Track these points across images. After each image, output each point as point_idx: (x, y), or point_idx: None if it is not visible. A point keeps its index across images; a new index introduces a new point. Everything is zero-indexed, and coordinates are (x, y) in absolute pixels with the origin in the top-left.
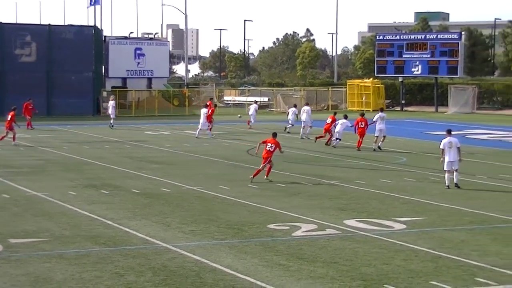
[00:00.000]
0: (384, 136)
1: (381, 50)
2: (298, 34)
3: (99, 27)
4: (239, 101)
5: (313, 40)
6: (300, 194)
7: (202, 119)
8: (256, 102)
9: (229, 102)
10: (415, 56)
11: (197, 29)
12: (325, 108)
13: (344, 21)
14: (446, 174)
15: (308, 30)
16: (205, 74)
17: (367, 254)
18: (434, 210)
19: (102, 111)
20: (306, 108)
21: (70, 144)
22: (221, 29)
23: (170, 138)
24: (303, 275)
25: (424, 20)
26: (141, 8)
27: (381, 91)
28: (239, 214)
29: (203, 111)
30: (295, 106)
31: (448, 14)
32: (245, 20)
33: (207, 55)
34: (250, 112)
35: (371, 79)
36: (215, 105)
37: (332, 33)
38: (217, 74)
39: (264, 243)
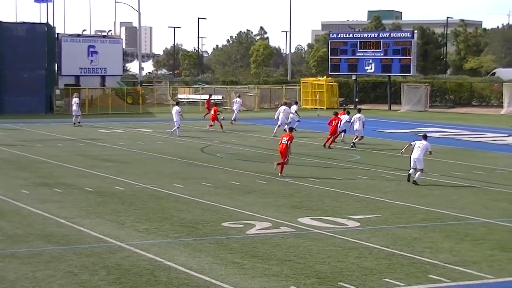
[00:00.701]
0: (362, 137)
1: (335, 49)
2: (252, 32)
3: (52, 24)
4: (193, 99)
5: (267, 38)
6: (255, 192)
7: (175, 117)
8: (239, 96)
9: (183, 100)
10: (368, 54)
11: (151, 27)
12: (279, 106)
13: (297, 20)
14: (411, 170)
15: (262, 28)
16: (159, 72)
17: (321, 252)
18: (387, 207)
19: (55, 109)
20: (283, 107)
21: (22, 143)
22: (174, 27)
23: (124, 136)
24: (257, 273)
25: (377, 18)
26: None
27: (334, 89)
28: (193, 212)
29: (176, 109)
30: (285, 104)
31: (401, 12)
32: (198, 18)
33: (161, 53)
34: (235, 107)
35: (325, 77)
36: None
37: (286, 31)
38: (171, 72)
39: (219, 241)
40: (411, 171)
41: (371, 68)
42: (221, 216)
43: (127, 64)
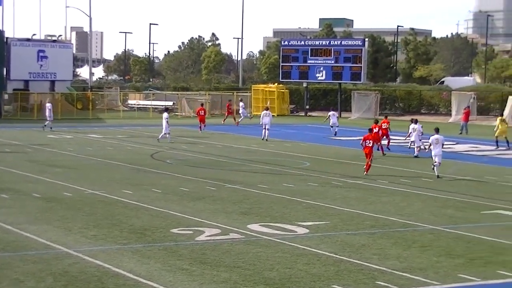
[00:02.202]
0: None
1: (286, 56)
2: (203, 38)
3: (1, 28)
4: (143, 105)
5: (219, 44)
6: (204, 198)
7: (164, 123)
8: (241, 100)
9: (134, 106)
10: (319, 62)
11: (102, 32)
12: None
13: (249, 26)
14: (435, 168)
15: (213, 34)
16: (110, 78)
17: (270, 259)
18: (336, 214)
19: (3, 114)
20: (267, 111)
21: None
22: (126, 32)
23: (73, 141)
24: (206, 280)
25: (328, 26)
26: (44, 9)
27: (285, 96)
28: (142, 218)
29: (164, 115)
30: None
31: (352, 20)
32: (150, 24)
33: (112, 58)
34: (241, 111)
35: (276, 84)
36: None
37: (238, 38)
38: (122, 78)
39: (167, 248)
40: (436, 171)
41: (322, 76)
42: (170, 223)
43: (77, 69)
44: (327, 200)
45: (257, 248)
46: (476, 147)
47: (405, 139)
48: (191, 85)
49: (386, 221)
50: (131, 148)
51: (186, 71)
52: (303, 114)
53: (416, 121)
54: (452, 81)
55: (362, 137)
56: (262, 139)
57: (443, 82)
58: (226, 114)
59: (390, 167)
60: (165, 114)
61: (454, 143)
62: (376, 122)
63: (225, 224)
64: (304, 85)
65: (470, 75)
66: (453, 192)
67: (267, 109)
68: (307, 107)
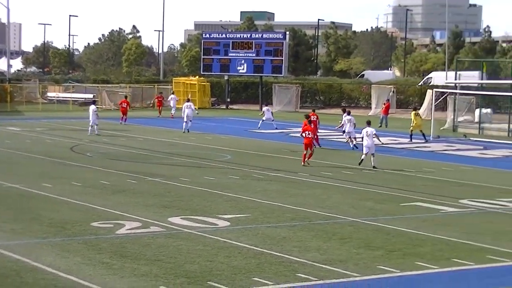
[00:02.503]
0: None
1: (207, 48)
2: (124, 31)
3: None
4: (63, 97)
5: (139, 37)
6: (125, 191)
7: (91, 116)
8: (173, 92)
9: (53, 98)
10: (240, 55)
11: (20, 23)
12: (151, 105)
13: (170, 19)
14: (363, 155)
15: (134, 27)
16: (28, 70)
17: (191, 252)
18: (257, 207)
19: None
20: (188, 103)
21: None
22: (45, 24)
23: None
24: (126, 273)
25: (249, 19)
26: None
27: (206, 89)
28: (62, 212)
29: (92, 108)
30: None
31: (273, 14)
32: (70, 15)
33: (31, 50)
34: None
35: (197, 77)
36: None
37: (159, 31)
38: (41, 70)
39: (87, 241)
40: (363, 156)
41: (243, 69)
42: (90, 216)
43: None
44: (248, 193)
45: (178, 241)
46: (396, 140)
47: (337, 128)
48: (111, 77)
49: (306, 213)
50: (50, 141)
51: (106, 64)
52: (224, 107)
53: (349, 112)
54: (372, 75)
55: (301, 128)
56: (183, 132)
57: (363, 75)
58: (158, 106)
59: (311, 160)
60: (92, 107)
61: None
62: (313, 111)
63: (146, 217)
64: (225, 78)
65: (389, 68)
66: (373, 184)
67: (188, 100)
68: (228, 100)
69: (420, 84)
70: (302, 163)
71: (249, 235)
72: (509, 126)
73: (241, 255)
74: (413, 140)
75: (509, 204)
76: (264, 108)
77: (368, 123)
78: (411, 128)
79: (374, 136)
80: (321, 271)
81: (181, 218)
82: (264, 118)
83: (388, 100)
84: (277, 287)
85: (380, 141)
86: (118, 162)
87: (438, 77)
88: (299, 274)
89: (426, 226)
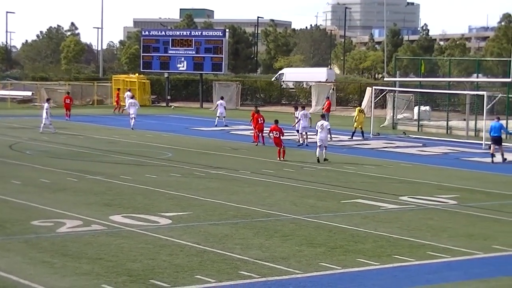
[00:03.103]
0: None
1: (147, 46)
2: (62, 28)
3: None
4: (1, 95)
5: (78, 34)
6: (65, 190)
7: (44, 114)
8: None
9: None
10: (180, 52)
11: None
12: (91, 103)
13: (109, 16)
14: (318, 149)
15: (73, 24)
16: None
17: (133, 250)
18: (199, 205)
19: None
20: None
21: None
22: None
23: None
24: (68, 272)
25: (189, 17)
26: None
27: (146, 87)
28: (1, 211)
29: (45, 105)
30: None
31: (213, 11)
32: (7, 12)
33: None
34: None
35: (137, 74)
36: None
37: (98, 28)
38: None
39: (28, 240)
40: (318, 154)
41: (183, 66)
42: (31, 215)
43: None
44: (190, 190)
45: (120, 239)
46: (336, 137)
47: (293, 126)
48: (50, 75)
49: (248, 211)
50: None
51: (45, 61)
52: (165, 105)
53: (303, 107)
54: None
55: (269, 128)
56: (132, 129)
57: None
58: (117, 103)
59: (253, 158)
60: (45, 105)
61: (314, 134)
62: (257, 111)
63: (87, 216)
64: (166, 75)
65: (329, 66)
66: (314, 182)
67: (132, 97)
68: (169, 97)
69: (273, 79)
70: (278, 158)
71: (191, 233)
72: (447, 124)
73: (183, 253)
74: (353, 138)
75: (448, 200)
76: (218, 102)
77: (323, 117)
78: (355, 125)
79: (328, 129)
80: (264, 269)
81: (122, 216)
82: (218, 114)
83: (328, 97)
84: (220, 284)
85: (331, 136)
86: (58, 160)
87: (289, 73)
88: (241, 272)
89: (367, 223)
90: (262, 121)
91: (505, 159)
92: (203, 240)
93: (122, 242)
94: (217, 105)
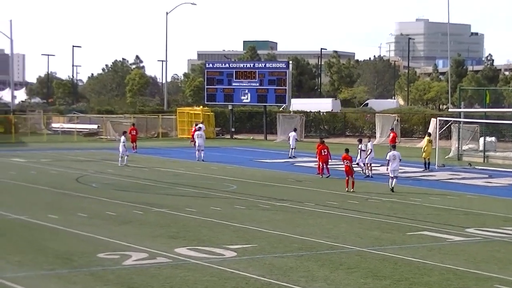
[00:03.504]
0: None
1: (211, 78)
2: (127, 61)
3: None
4: (67, 128)
5: (143, 67)
6: (131, 222)
7: (121, 147)
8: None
9: (58, 129)
10: (244, 84)
11: (24, 54)
12: (155, 135)
13: (173, 49)
14: (390, 180)
15: (137, 57)
16: (32, 101)
17: (198, 282)
18: (263, 237)
19: None
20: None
21: None
22: (48, 55)
23: None
24: None
25: (252, 49)
26: None
27: (211, 119)
28: (68, 243)
29: (122, 139)
30: (295, 130)
31: (276, 43)
32: (73, 46)
33: (34, 81)
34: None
35: (201, 106)
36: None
37: (162, 60)
38: (45, 101)
39: (94, 273)
40: (390, 184)
41: (247, 98)
42: (97, 247)
43: None
44: (254, 223)
45: (185, 272)
46: (401, 168)
47: (362, 159)
48: (115, 108)
49: (313, 243)
50: (55, 172)
51: (110, 94)
52: (229, 137)
53: (369, 139)
54: (375, 103)
55: (341, 157)
56: (198, 161)
57: (367, 104)
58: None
59: (316, 190)
60: (122, 138)
61: (379, 165)
62: (322, 141)
63: (152, 248)
64: (229, 107)
65: (393, 97)
66: (379, 213)
67: (199, 129)
68: (233, 129)
69: (281, 108)
70: (346, 188)
71: (256, 266)
72: None
73: (248, 286)
74: (415, 170)
75: None
76: (290, 134)
77: (393, 147)
78: (423, 155)
79: (399, 160)
80: None
81: (187, 248)
82: (292, 146)
83: (393, 129)
84: None
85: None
86: (124, 193)
87: (297, 104)
88: None
89: (432, 255)
90: (326, 152)
91: None
92: (268, 273)
93: (187, 275)
94: (289, 137)
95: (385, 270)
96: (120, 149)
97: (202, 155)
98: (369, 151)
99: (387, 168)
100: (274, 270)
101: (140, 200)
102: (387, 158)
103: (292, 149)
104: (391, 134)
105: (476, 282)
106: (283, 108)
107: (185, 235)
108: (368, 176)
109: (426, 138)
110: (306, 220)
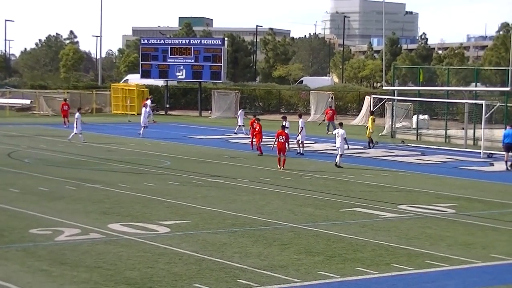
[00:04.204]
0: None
1: (146, 54)
2: (61, 36)
3: None
4: (0, 103)
5: (77, 42)
6: (64, 198)
7: (75, 123)
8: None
9: None
10: (179, 60)
11: None
12: (89, 111)
13: (108, 24)
14: (338, 157)
15: (71, 32)
16: None
17: (131, 258)
18: (197, 213)
19: None
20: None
21: None
22: None
23: None
24: (66, 280)
25: (188, 25)
26: None
27: (145, 95)
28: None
29: (76, 115)
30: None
31: (212, 20)
32: (6, 20)
33: None
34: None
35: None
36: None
37: (97, 36)
38: None
39: (26, 249)
40: (338, 158)
41: (182, 75)
42: (29, 223)
43: None
44: (188, 199)
45: (118, 247)
46: (334, 146)
47: (297, 137)
48: (49, 83)
49: (247, 219)
50: None
51: (43, 69)
52: (164, 113)
53: (300, 115)
54: (310, 81)
55: (275, 134)
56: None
57: (302, 81)
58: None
59: (250, 166)
60: (77, 114)
61: (313, 142)
62: (257, 119)
63: (85, 224)
64: (164, 83)
65: (328, 75)
66: (312, 190)
67: (145, 106)
68: (168, 106)
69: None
70: (278, 167)
71: (190, 241)
72: (446, 132)
73: (181, 262)
74: (350, 147)
75: (447, 209)
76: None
77: (340, 125)
78: (368, 134)
79: (344, 138)
80: (262, 277)
81: (121, 224)
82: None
83: (331, 106)
84: None
85: (348, 146)
86: (57, 168)
87: (133, 79)
88: (240, 280)
89: (365, 231)
90: (259, 129)
91: None
92: (202, 249)
93: (120, 251)
94: (238, 116)
95: (318, 246)
96: (74, 125)
97: (140, 131)
98: (300, 129)
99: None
100: (207, 246)
101: (73, 175)
102: (334, 135)
103: (240, 126)
104: (330, 112)
105: (408, 258)
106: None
107: (118, 211)
108: (299, 153)
109: (370, 116)
110: (240, 196)
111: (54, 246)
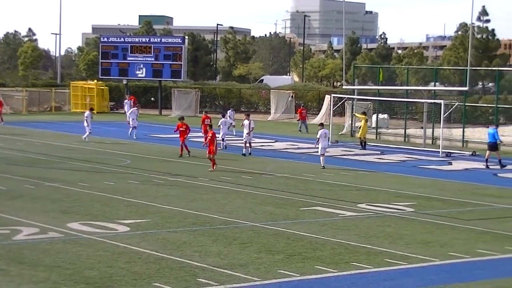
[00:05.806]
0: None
1: (106, 52)
2: (20, 33)
3: None
4: None
5: (36, 40)
6: (22, 197)
7: (85, 122)
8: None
9: None
10: (139, 59)
11: None
12: (48, 109)
13: (67, 22)
14: (321, 157)
15: (30, 29)
16: None
17: (91, 257)
18: (157, 212)
19: None
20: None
21: None
22: None
23: None
24: (24, 280)
25: (148, 23)
26: None
27: (105, 93)
28: None
29: (86, 114)
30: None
31: (172, 18)
32: None
33: None
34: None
35: (95, 81)
36: None
37: (56, 34)
38: None
39: None
40: (322, 162)
41: (142, 73)
42: None
43: None
44: (149, 198)
45: (77, 247)
46: (295, 145)
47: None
48: (7, 81)
49: (207, 218)
50: None
51: (1, 67)
52: (123, 112)
53: (248, 115)
54: (271, 80)
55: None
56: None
57: (262, 80)
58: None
59: (208, 165)
60: (86, 113)
61: (273, 141)
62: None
63: (44, 223)
64: (124, 82)
65: (288, 74)
66: (273, 189)
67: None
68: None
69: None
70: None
71: (150, 240)
72: (405, 132)
73: (141, 260)
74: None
75: (406, 208)
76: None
77: (321, 125)
78: (359, 135)
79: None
80: (222, 276)
81: (80, 223)
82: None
83: (301, 105)
84: None
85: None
86: (15, 167)
87: None
88: (199, 279)
89: (325, 230)
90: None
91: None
92: (161, 248)
93: (79, 250)
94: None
95: (278, 245)
96: (85, 124)
97: (130, 131)
98: (250, 128)
99: (316, 146)
100: (167, 245)
101: (32, 174)
102: (318, 136)
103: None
104: (303, 111)
105: (367, 256)
106: None
107: (77, 210)
108: (244, 154)
109: (363, 117)
110: (200, 195)
111: (13, 245)
